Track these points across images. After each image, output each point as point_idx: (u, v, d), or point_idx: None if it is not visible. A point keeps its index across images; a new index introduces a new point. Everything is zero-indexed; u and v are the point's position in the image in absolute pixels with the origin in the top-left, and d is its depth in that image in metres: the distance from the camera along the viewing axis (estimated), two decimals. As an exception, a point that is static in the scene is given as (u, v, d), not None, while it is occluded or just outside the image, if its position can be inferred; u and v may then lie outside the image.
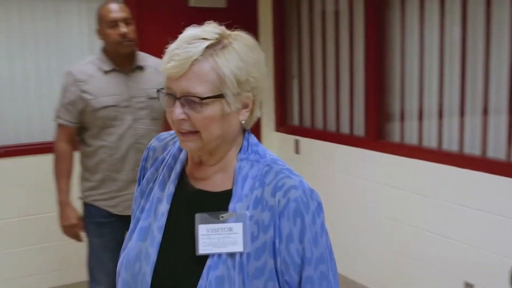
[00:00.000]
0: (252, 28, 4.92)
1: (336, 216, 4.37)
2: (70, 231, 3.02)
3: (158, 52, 3.26)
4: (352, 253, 4.24)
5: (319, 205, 1.35)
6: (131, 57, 2.98)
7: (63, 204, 2.98)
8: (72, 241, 4.30)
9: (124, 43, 2.91)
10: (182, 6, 4.69)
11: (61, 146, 2.98)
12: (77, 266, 4.33)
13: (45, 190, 4.24)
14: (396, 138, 3.98)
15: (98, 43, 4.52)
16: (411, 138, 3.86)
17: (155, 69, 3.01)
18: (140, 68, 3.00)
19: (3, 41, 4.21)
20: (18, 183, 4.26)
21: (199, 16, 5.02)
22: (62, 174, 2.99)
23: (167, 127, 3.15)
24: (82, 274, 4.23)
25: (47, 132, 4.36)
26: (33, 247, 4.35)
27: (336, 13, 4.40)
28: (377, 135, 4.04)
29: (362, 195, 4.14)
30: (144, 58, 3.05)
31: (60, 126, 2.98)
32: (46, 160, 4.19)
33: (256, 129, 4.95)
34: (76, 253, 4.29)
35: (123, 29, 2.90)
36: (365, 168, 4.11)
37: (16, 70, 4.30)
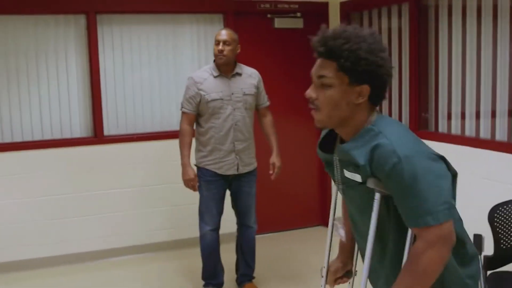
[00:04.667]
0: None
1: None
2: (189, 183, 4.27)
3: (250, 63, 4.54)
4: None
5: None
6: (231, 66, 4.27)
7: (185, 165, 4.25)
8: (182, 206, 5.51)
9: (219, 56, 4.23)
10: (268, 28, 5.84)
11: (184, 127, 4.26)
12: (184, 226, 5.55)
13: (163, 167, 5.52)
14: (431, 128, 5.09)
15: (205, 57, 5.82)
16: (443, 128, 4.96)
17: (249, 75, 4.33)
18: (239, 74, 4.29)
19: (137, 55, 5.53)
20: (143, 162, 5.52)
21: (282, 36, 6.41)
22: (185, 145, 4.25)
23: (256, 116, 4.40)
24: (188, 232, 5.47)
25: (163, 124, 5.65)
26: (151, 210, 5.59)
27: (389, 30, 5.52)
28: (417, 125, 5.14)
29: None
30: (242, 67, 4.34)
31: (184, 113, 4.28)
32: (163, 145, 5.52)
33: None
34: (184, 216, 5.55)
35: (220, 47, 4.22)
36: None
37: (144, 77, 5.58)
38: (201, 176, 4.32)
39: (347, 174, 2.00)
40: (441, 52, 4.92)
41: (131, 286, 4.87)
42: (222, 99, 4.20)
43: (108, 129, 5.47)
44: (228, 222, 4.61)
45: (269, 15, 5.83)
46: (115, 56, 5.49)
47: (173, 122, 5.59)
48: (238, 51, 4.31)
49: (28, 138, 5.27)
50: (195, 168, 4.36)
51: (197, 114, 4.29)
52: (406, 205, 1.86)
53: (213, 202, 4.34)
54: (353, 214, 2.15)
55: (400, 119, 5.42)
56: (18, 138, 5.25)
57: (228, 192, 4.47)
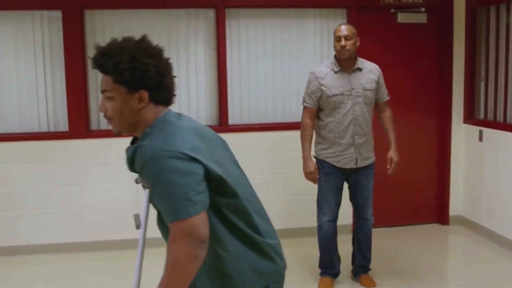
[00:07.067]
0: (448, 39, 5.98)
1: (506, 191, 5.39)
2: (309, 176, 4.40)
3: (372, 58, 4.58)
4: None
5: None
6: (352, 61, 4.36)
7: (306, 158, 4.39)
8: (299, 196, 5.64)
9: (342, 52, 4.31)
10: (391, 23, 5.85)
11: (306, 121, 4.39)
12: (301, 215, 5.69)
13: (282, 157, 5.72)
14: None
15: (327, 51, 5.90)
16: None
17: (369, 70, 4.39)
18: (359, 69, 4.35)
19: (262, 48, 5.75)
20: (264, 151, 5.71)
21: (404, 31, 6.38)
22: (306, 138, 4.38)
23: (375, 110, 4.45)
24: (304, 222, 5.61)
25: (284, 115, 5.83)
26: (269, 198, 5.64)
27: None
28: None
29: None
30: (363, 62, 4.40)
31: (305, 108, 4.41)
32: (283, 135, 5.68)
33: (446, 121, 6.05)
34: (301, 205, 5.70)
35: (343, 43, 4.31)
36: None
37: (267, 69, 5.78)
38: (320, 168, 4.44)
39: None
40: None
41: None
42: (342, 94, 4.29)
43: (233, 119, 5.73)
44: (344, 214, 4.69)
45: (392, 10, 5.84)
46: (241, 48, 5.73)
47: (293, 113, 5.77)
48: (358, 44, 4.37)
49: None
50: (314, 160, 4.48)
51: (318, 108, 4.41)
52: (157, 201, 2.01)
53: (331, 193, 4.45)
54: None
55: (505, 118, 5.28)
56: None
57: (345, 185, 4.57)
